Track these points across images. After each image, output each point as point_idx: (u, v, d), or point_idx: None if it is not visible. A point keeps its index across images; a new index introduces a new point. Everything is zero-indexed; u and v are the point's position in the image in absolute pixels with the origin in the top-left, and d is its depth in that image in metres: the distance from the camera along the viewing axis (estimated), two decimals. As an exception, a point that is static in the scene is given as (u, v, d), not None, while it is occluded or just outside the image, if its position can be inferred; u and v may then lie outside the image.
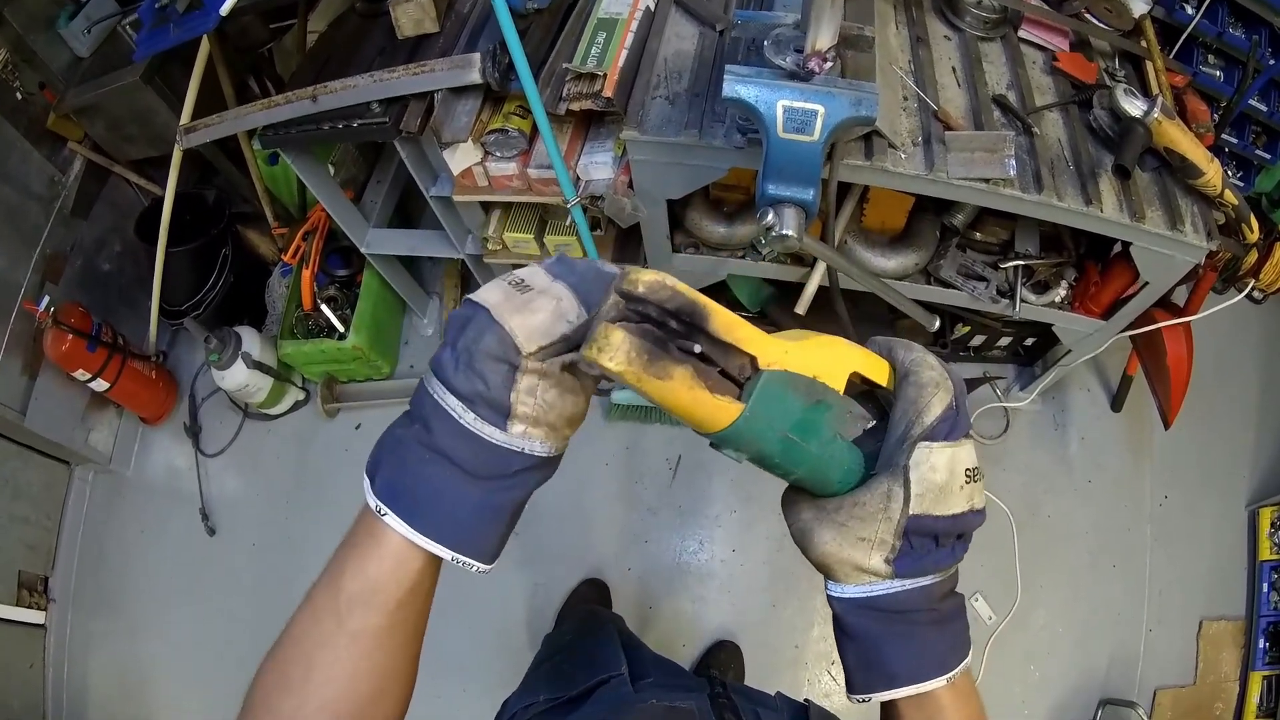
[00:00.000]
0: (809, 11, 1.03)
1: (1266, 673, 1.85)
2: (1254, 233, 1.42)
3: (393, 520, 0.45)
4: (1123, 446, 2.13)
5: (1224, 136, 1.92)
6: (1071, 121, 1.43)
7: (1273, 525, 1.96)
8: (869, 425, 0.53)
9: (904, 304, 1.63)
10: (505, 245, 1.80)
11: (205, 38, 1.70)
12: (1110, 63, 1.56)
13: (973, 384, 2.13)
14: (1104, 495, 2.08)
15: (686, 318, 0.44)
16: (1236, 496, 2.06)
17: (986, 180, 1.32)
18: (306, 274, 2.10)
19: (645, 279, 0.42)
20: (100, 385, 2.17)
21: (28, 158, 2.13)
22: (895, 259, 1.61)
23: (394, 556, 0.46)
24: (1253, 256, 1.49)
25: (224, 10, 1.49)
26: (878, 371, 0.49)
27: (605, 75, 1.43)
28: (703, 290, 0.45)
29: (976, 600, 1.98)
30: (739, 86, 1.05)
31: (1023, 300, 1.61)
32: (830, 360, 0.48)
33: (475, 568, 0.47)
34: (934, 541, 0.47)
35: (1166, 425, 1.84)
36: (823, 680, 1.97)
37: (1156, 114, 1.28)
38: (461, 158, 1.57)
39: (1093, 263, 1.64)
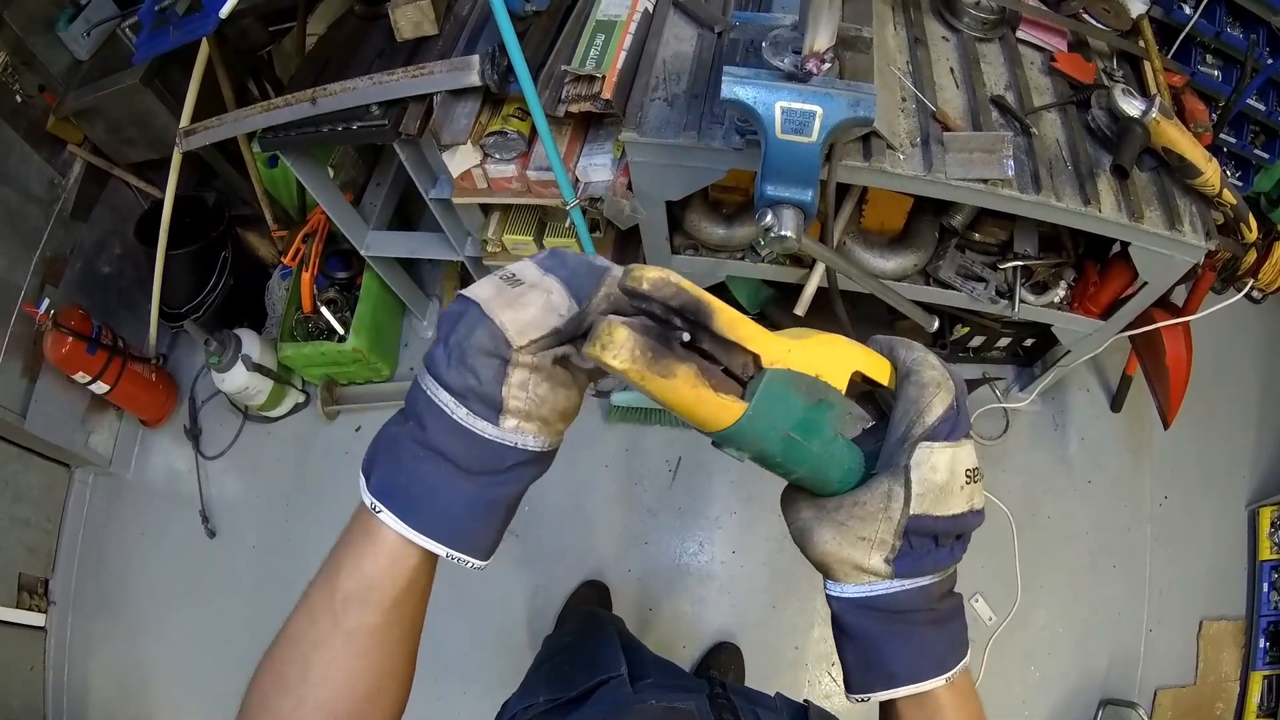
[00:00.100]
0: (807, 13, 1.03)
1: (1267, 672, 1.85)
2: (1252, 232, 1.42)
3: (387, 517, 0.45)
4: (1122, 447, 2.13)
5: (1222, 136, 1.92)
6: (1070, 122, 1.43)
7: (1273, 525, 1.96)
8: (868, 426, 0.53)
9: (903, 305, 1.63)
10: (505, 247, 1.80)
11: (205, 40, 1.71)
12: (1108, 63, 1.56)
13: (972, 385, 2.12)
14: (1104, 495, 2.08)
15: (690, 315, 0.43)
16: (1236, 496, 2.06)
17: (985, 181, 1.32)
18: (306, 276, 2.10)
19: (650, 275, 0.42)
20: (100, 388, 2.17)
21: (27, 160, 2.13)
22: (894, 260, 1.61)
23: (389, 554, 0.46)
24: (1251, 256, 1.49)
25: (223, 13, 1.49)
26: (879, 370, 0.49)
27: (604, 77, 1.43)
28: (703, 291, 0.45)
29: (976, 601, 1.98)
30: (737, 88, 1.05)
31: (1022, 301, 1.61)
32: (832, 359, 0.47)
33: (470, 564, 0.47)
34: (934, 542, 0.47)
35: (1166, 425, 1.84)
36: (823, 681, 1.97)
37: (1154, 114, 1.28)
38: (461, 160, 1.57)
39: (1091, 263, 1.64)
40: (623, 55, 1.46)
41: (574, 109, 1.44)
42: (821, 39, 1.04)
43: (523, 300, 0.45)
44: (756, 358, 0.45)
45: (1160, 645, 1.94)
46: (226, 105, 1.88)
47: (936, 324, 1.76)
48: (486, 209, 1.79)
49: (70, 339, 2.04)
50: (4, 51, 2.04)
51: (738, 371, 0.45)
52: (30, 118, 2.13)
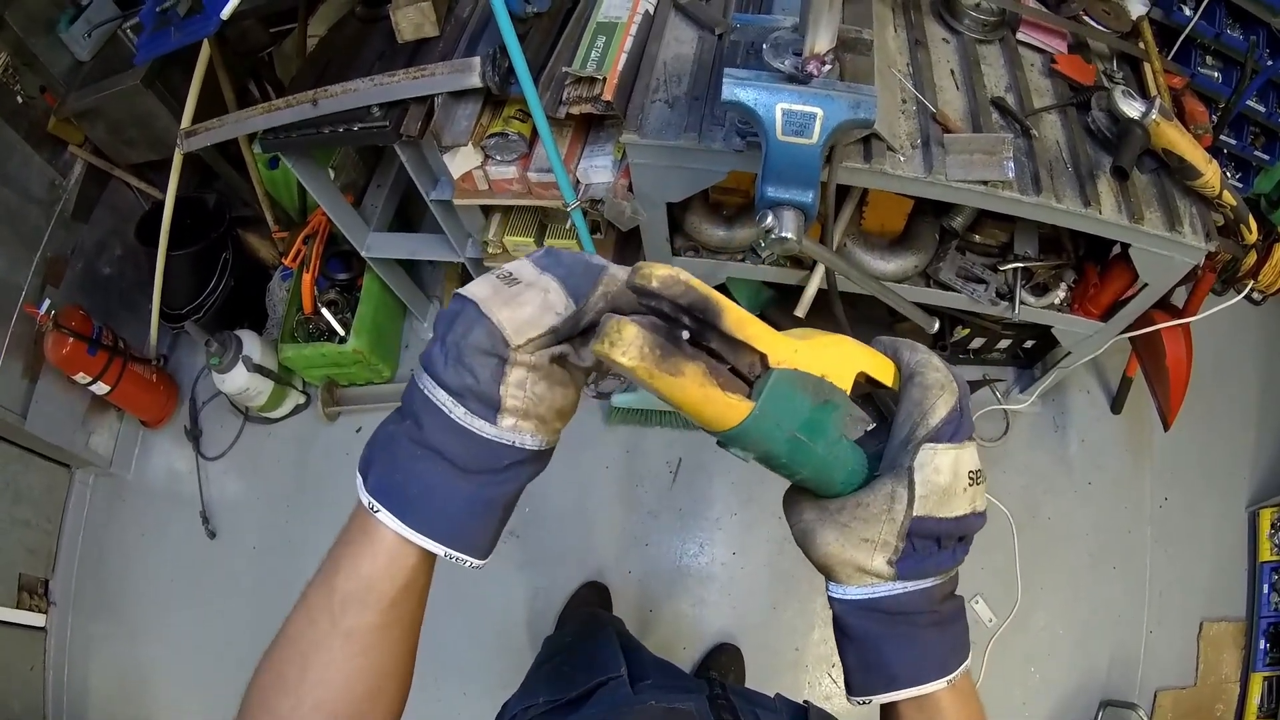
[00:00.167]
0: (807, 15, 1.03)
1: (1267, 674, 1.84)
2: (1253, 234, 1.42)
3: (385, 517, 0.45)
4: (1122, 448, 2.13)
5: (1222, 137, 1.93)
6: (1070, 123, 1.43)
7: (1273, 526, 1.96)
8: (870, 428, 0.53)
9: (903, 306, 1.63)
10: (505, 249, 1.80)
11: (206, 42, 1.71)
12: (1108, 64, 1.57)
13: (973, 386, 2.12)
14: (1104, 496, 2.08)
15: (699, 313, 0.43)
16: (1236, 497, 2.06)
17: (985, 182, 1.32)
18: (307, 278, 2.11)
19: (659, 273, 0.41)
20: (101, 389, 2.17)
21: (28, 161, 2.13)
22: (894, 261, 1.61)
23: (387, 553, 0.46)
24: (1251, 257, 1.49)
25: (225, 14, 1.49)
26: (883, 372, 0.49)
27: (605, 79, 1.43)
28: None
29: (977, 602, 1.98)
30: (738, 90, 1.06)
31: (1022, 302, 1.61)
32: (838, 359, 0.47)
33: (468, 563, 0.47)
34: (936, 543, 0.47)
35: (1166, 426, 1.84)
36: (823, 683, 1.97)
37: (1155, 115, 1.28)
38: (462, 161, 1.57)
39: (1092, 264, 1.64)
40: (623, 57, 1.46)
41: (575, 111, 1.44)
42: (822, 41, 1.05)
43: (520, 299, 0.45)
44: (763, 357, 0.45)
45: (1160, 646, 1.94)
46: (227, 106, 1.88)
47: (937, 325, 1.76)
48: (487, 210, 1.79)
49: (71, 340, 2.04)
50: (5, 52, 2.04)
51: (744, 371, 0.45)
52: (31, 119, 2.13)
